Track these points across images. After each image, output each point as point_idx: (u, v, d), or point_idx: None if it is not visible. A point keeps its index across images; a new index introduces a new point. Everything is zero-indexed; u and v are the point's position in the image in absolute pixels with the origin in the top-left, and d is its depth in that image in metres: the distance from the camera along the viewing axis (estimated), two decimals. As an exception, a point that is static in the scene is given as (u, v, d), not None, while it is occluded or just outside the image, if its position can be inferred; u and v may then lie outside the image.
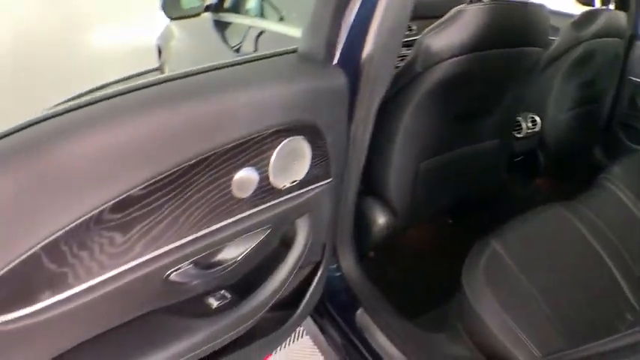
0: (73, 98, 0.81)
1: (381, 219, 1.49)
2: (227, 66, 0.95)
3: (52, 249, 0.74)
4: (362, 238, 1.47)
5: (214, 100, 0.86)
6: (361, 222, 1.44)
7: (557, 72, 1.97)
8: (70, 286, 0.78)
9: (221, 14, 2.30)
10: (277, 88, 0.94)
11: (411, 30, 2.07)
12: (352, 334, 1.38)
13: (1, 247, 0.70)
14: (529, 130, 2.02)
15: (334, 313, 1.45)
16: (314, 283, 1.28)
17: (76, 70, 3.75)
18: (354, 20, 1.06)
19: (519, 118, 1.98)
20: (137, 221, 0.82)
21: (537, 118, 2.04)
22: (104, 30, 4.37)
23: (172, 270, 0.91)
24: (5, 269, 0.70)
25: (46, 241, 0.73)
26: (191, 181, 0.85)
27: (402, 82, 1.36)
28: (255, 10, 2.29)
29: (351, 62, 1.07)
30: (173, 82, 0.87)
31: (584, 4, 2.08)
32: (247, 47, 2.11)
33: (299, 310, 1.28)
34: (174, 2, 2.17)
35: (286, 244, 1.13)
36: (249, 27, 2.14)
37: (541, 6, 1.50)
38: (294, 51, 1.04)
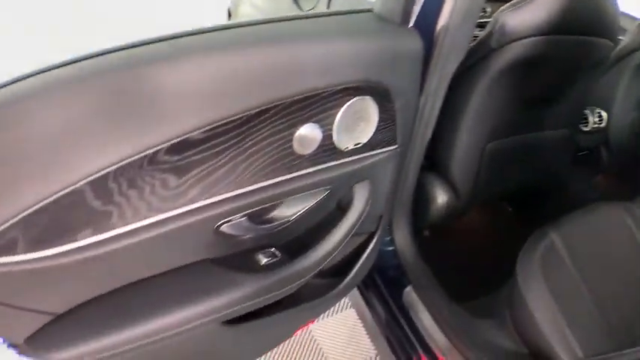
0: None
1: (441, 197, 1.46)
2: (302, 18, 0.92)
3: (98, 185, 0.72)
4: (419, 215, 1.44)
5: (285, 49, 0.82)
6: (420, 198, 1.42)
7: (625, 71, 1.89)
8: (114, 227, 0.77)
9: None
10: (350, 45, 0.89)
11: (485, 11, 2.02)
12: (397, 310, 1.37)
13: (42, 178, 0.68)
14: (595, 125, 1.95)
15: (382, 287, 1.44)
16: (365, 254, 1.26)
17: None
18: None
19: (586, 112, 1.92)
20: (193, 166, 0.80)
21: (604, 114, 1.98)
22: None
23: (224, 221, 0.89)
24: (44, 202, 0.69)
25: (93, 176, 0.71)
26: (253, 131, 0.82)
27: (475, 57, 1.32)
28: None
29: (427, 29, 1.03)
30: (245, 27, 0.84)
31: None
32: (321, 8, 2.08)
33: (347, 280, 1.26)
34: None
35: (342, 209, 1.10)
36: None
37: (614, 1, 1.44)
38: (369, 10, 1.00)
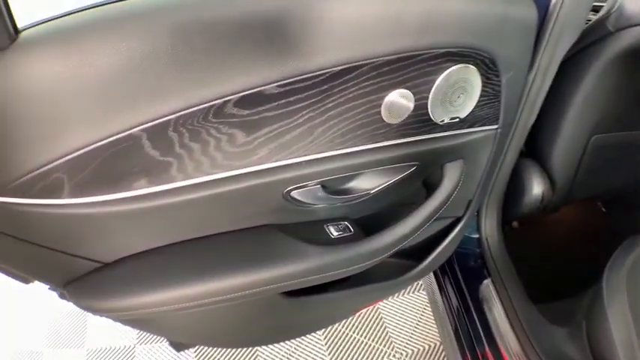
0: None
1: (537, 188, 1.39)
2: None
3: (157, 133, 0.68)
4: (510, 204, 1.40)
5: (384, 0, 0.73)
6: (515, 186, 1.37)
7: None
8: (173, 180, 0.73)
9: None
10: (457, 4, 0.80)
11: None
12: (471, 302, 1.34)
13: (98, 119, 0.64)
14: None
15: (460, 275, 1.40)
16: (447, 240, 1.21)
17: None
18: None
19: None
20: (266, 123, 0.74)
21: None
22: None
23: (296, 186, 0.84)
24: (95, 145, 0.65)
25: (151, 123, 0.66)
26: (336, 91, 0.75)
27: (590, 39, 1.23)
28: None
29: (541, 1, 0.93)
30: None
31: None
32: None
33: (424, 264, 1.21)
34: None
35: (429, 188, 1.03)
36: None
37: None
38: None
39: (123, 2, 0.63)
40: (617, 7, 1.20)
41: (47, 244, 0.72)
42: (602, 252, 1.21)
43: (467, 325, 1.33)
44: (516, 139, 1.12)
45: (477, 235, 1.34)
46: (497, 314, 1.25)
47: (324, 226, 0.95)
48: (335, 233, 0.94)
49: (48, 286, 0.79)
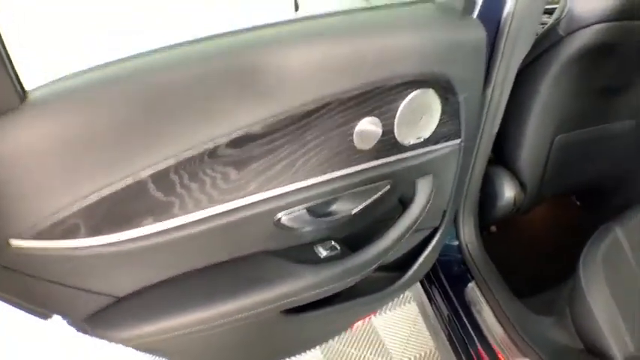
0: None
1: (508, 192, 1.44)
2: (362, 10, 0.91)
3: (160, 177, 0.75)
4: (486, 210, 1.44)
5: (345, 42, 0.82)
6: (487, 193, 1.41)
7: None
8: (175, 216, 0.80)
9: None
10: (411, 37, 0.88)
11: None
12: (459, 306, 1.37)
13: (106, 168, 0.71)
14: None
15: (445, 282, 1.44)
16: (428, 250, 1.26)
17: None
18: None
19: None
20: (253, 159, 0.81)
21: None
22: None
23: (284, 213, 0.91)
24: (106, 191, 0.72)
25: (155, 168, 0.73)
26: (312, 125, 0.83)
27: (543, 46, 1.29)
28: None
29: (492, 18, 1.00)
30: (305, 22, 0.84)
31: None
32: None
33: (408, 274, 1.26)
34: None
35: (404, 203, 1.09)
36: None
37: None
38: (431, 0, 0.98)
39: (121, 62, 0.71)
40: (566, 12, 1.25)
41: (65, 282, 0.77)
42: (580, 243, 1.25)
43: (458, 329, 1.37)
44: (483, 150, 1.18)
45: (457, 242, 1.38)
46: (485, 314, 1.29)
47: (313, 247, 1.01)
48: (324, 253, 1.01)
49: (66, 321, 0.85)
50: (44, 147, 0.66)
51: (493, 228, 1.75)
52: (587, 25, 1.24)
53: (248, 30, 0.79)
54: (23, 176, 0.67)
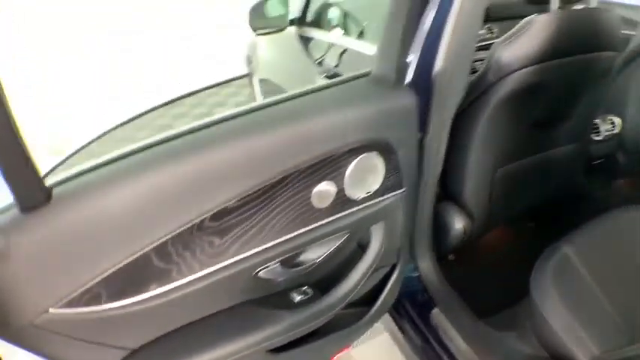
0: (143, 114, 0.99)
1: (458, 224, 1.53)
2: (308, 93, 1.08)
3: (161, 250, 0.91)
4: (441, 242, 1.54)
5: (300, 124, 0.99)
6: (439, 226, 1.51)
7: (635, 73, 1.87)
8: (174, 280, 0.95)
9: (304, 28, 2.43)
10: (352, 111, 1.05)
11: (492, 32, 2.10)
12: (428, 332, 1.46)
13: (119, 247, 0.87)
14: (607, 133, 1.94)
15: (412, 312, 1.53)
16: (389, 284, 1.37)
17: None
18: (425, 40, 1.16)
19: (597, 121, 1.92)
20: (232, 227, 0.97)
21: (616, 120, 1.96)
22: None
23: (261, 268, 1.06)
24: (120, 265, 0.87)
25: (156, 244, 0.90)
26: (277, 195, 0.99)
27: (476, 93, 1.39)
28: (336, 21, 2.38)
29: (424, 80, 1.16)
30: (259, 111, 1.01)
31: None
32: (329, 60, 2.23)
33: (375, 308, 1.38)
34: (260, 18, 2.29)
35: (362, 248, 1.24)
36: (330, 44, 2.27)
37: (610, 10, 1.48)
38: (367, 74, 1.14)
39: (128, 157, 0.88)
40: (494, 60, 1.34)
41: (87, 339, 0.92)
42: (534, 261, 1.30)
43: (430, 353, 1.45)
44: (429, 190, 1.30)
45: (418, 274, 1.47)
46: (453, 337, 1.37)
47: (288, 293, 1.15)
48: (297, 298, 1.15)
49: None
50: (71, 236, 0.82)
51: (451, 256, 1.81)
52: (514, 71, 1.32)
53: (221, 120, 0.97)
54: (58, 259, 0.83)
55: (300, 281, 1.18)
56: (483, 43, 1.98)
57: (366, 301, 1.38)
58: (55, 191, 0.81)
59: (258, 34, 2.38)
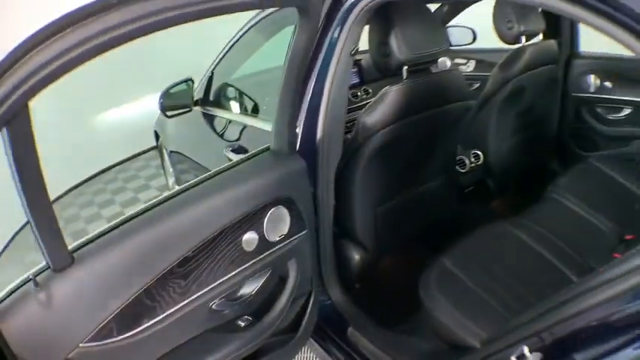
0: (84, 181, 1.29)
1: (355, 256, 1.76)
2: (229, 168, 1.39)
3: (148, 291, 1.18)
4: (345, 272, 1.76)
5: (224, 195, 1.31)
6: (342, 259, 1.75)
7: (492, 110, 2.07)
8: (158, 314, 1.22)
9: (207, 107, 2.60)
10: (260, 179, 1.38)
11: (367, 93, 2.40)
12: (348, 348, 1.67)
13: (122, 292, 1.14)
14: (472, 165, 2.16)
15: (332, 334, 1.74)
16: (309, 309, 1.64)
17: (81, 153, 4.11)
18: (305, 121, 1.50)
19: (462, 157, 2.13)
20: (192, 271, 1.26)
21: (480, 153, 2.17)
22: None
23: (214, 302, 1.33)
24: (123, 305, 1.15)
25: (144, 287, 1.17)
26: (218, 244, 1.30)
27: (350, 152, 1.61)
28: (236, 101, 2.60)
29: (310, 148, 1.49)
30: (196, 187, 1.31)
31: (511, 43, 2.08)
32: (230, 134, 2.46)
33: (300, 332, 1.64)
34: (169, 102, 2.46)
35: (283, 280, 1.51)
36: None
37: (454, 71, 1.80)
38: (267, 149, 1.47)
39: (118, 227, 1.17)
40: (360, 126, 1.54)
41: None
42: None
43: None
44: (326, 231, 1.60)
45: (330, 301, 1.70)
46: (368, 347, 1.58)
47: (235, 321, 1.42)
48: (242, 324, 1.42)
49: None
50: (89, 287, 1.11)
51: (357, 285, 1.89)
52: (377, 131, 1.52)
53: (172, 197, 1.26)
54: (82, 305, 1.10)
55: (243, 311, 1.43)
56: (362, 103, 2.30)
57: (292, 328, 1.63)
58: (78, 256, 1.09)
59: (170, 117, 2.50)
